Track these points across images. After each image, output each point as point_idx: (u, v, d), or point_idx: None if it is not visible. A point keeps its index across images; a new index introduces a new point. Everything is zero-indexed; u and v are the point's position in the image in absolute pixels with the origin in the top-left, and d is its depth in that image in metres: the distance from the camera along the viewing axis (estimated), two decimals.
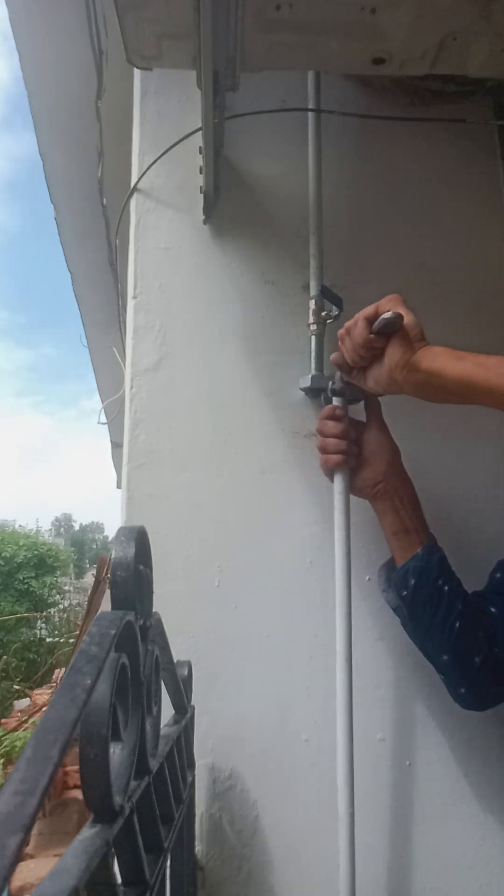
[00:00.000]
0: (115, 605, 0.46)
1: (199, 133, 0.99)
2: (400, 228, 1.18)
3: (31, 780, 0.28)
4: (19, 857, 0.25)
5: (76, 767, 0.55)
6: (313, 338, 1.03)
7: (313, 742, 0.94)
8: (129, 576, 0.46)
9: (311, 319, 1.03)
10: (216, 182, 1.06)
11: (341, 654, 0.89)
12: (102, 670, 0.37)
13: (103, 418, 2.32)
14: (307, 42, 0.86)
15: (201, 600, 0.98)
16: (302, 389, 1.04)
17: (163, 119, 1.16)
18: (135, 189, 1.13)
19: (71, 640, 8.52)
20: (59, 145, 1.96)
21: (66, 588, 14.49)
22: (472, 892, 0.93)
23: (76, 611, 11.12)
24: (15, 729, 4.55)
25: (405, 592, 0.88)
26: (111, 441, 4.23)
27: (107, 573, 4.00)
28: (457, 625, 0.85)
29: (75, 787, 3.14)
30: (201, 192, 1.07)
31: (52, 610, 12.00)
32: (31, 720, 4.77)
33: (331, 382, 0.94)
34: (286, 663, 0.97)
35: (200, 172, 1.04)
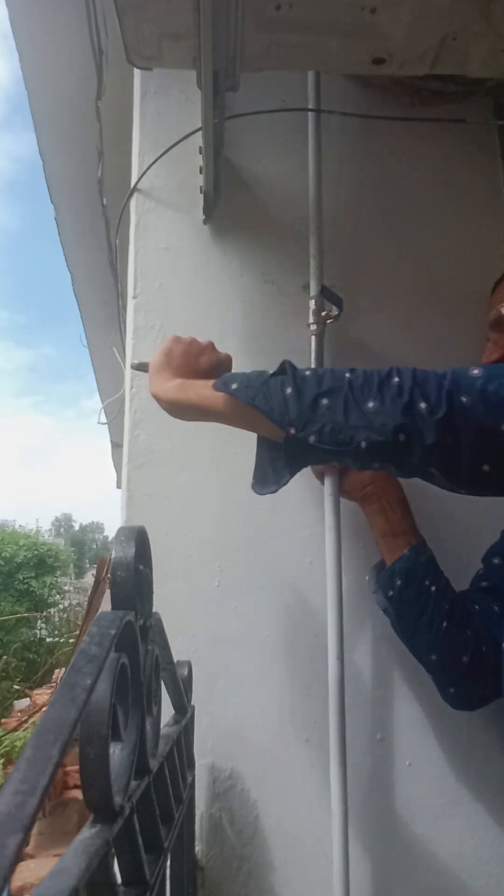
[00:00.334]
0: (115, 605, 0.46)
1: (199, 133, 0.99)
2: (400, 228, 1.18)
3: (31, 780, 0.28)
4: (19, 857, 0.25)
5: (76, 767, 0.55)
6: (313, 338, 1.03)
7: (313, 742, 0.94)
8: (129, 576, 0.46)
9: (311, 319, 1.03)
10: (216, 182, 1.06)
11: (333, 652, 0.89)
12: (102, 670, 0.37)
13: (103, 418, 2.32)
14: (307, 42, 0.86)
15: (201, 600, 0.98)
16: None
17: (163, 119, 1.16)
18: (135, 189, 1.13)
19: (71, 640, 8.52)
20: (59, 145, 1.96)
21: (66, 588, 14.49)
22: (472, 892, 0.93)
23: (76, 611, 11.12)
24: (15, 729, 4.55)
25: (392, 593, 0.90)
26: (111, 441, 4.23)
27: (107, 573, 3.99)
28: (444, 624, 0.85)
29: (75, 787, 3.14)
30: (201, 192, 1.07)
31: (52, 610, 12.00)
32: (31, 720, 4.77)
33: None
34: (286, 663, 0.97)
35: (200, 172, 1.04)
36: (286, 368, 0.72)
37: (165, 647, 0.61)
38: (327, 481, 0.95)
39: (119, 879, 0.42)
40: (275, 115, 1.12)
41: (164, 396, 0.80)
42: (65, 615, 11.21)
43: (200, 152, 1.00)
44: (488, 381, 0.62)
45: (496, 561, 0.93)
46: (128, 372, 1.07)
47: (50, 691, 5.90)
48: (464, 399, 0.62)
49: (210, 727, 0.93)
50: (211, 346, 0.87)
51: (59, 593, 13.38)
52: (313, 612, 0.98)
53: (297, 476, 1.02)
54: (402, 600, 0.89)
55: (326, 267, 1.06)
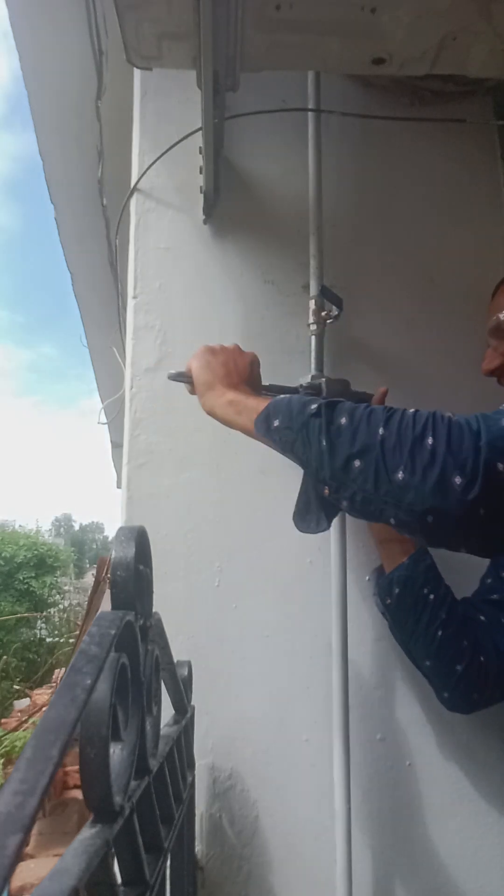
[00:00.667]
0: (115, 605, 0.46)
1: (199, 133, 0.99)
2: (400, 228, 1.18)
3: (31, 780, 0.28)
4: (19, 857, 0.25)
5: (76, 767, 0.55)
6: (313, 338, 1.03)
7: (313, 742, 0.94)
8: (129, 576, 0.46)
9: (311, 319, 1.03)
10: (216, 182, 1.06)
11: (337, 652, 0.89)
12: (102, 670, 0.37)
13: (103, 418, 2.32)
14: (307, 42, 0.86)
15: (201, 600, 0.98)
16: (302, 389, 1.04)
17: (163, 119, 1.16)
18: (135, 189, 1.13)
19: (71, 640, 8.52)
20: (59, 145, 1.96)
21: (66, 588, 14.49)
22: (472, 892, 0.93)
23: (76, 611, 11.12)
24: (15, 729, 4.55)
25: (389, 601, 0.90)
26: (111, 441, 4.23)
27: (107, 573, 3.99)
28: (439, 633, 0.85)
29: (75, 787, 3.14)
30: (201, 192, 1.07)
31: (52, 610, 12.00)
32: (31, 720, 4.77)
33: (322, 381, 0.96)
34: (286, 663, 0.97)
35: (200, 172, 1.04)
36: (321, 410, 0.66)
37: (165, 647, 0.61)
38: None
39: (119, 879, 0.42)
40: (275, 115, 1.12)
41: (219, 414, 0.78)
42: (65, 615, 11.21)
43: (200, 152, 1.00)
44: None
45: None
46: (128, 372, 1.07)
47: (50, 691, 5.90)
48: (500, 466, 0.56)
49: (210, 727, 0.93)
50: (238, 347, 0.86)
51: (59, 593, 13.38)
52: (313, 612, 0.98)
53: (299, 475, 1.03)
54: (399, 608, 0.89)
55: (326, 267, 1.06)
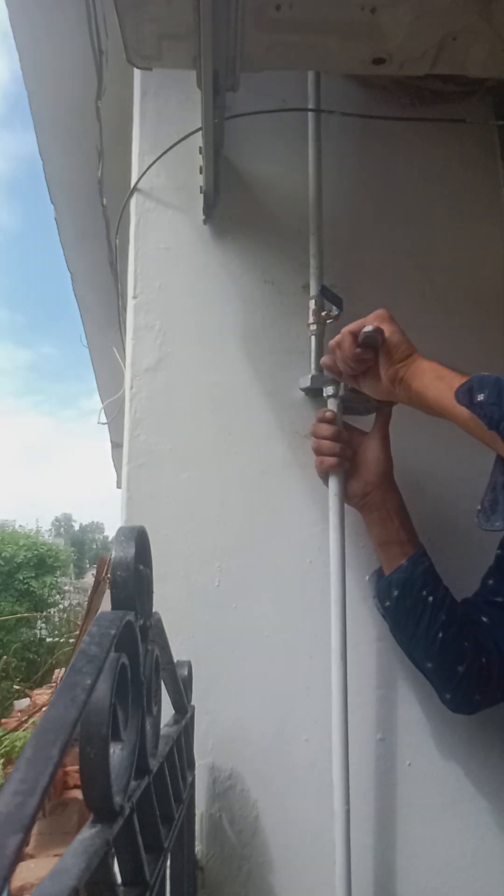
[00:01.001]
0: (115, 605, 0.46)
1: (199, 133, 0.99)
2: (400, 228, 1.18)
3: (31, 780, 0.28)
4: (19, 857, 0.25)
5: (76, 767, 0.55)
6: (313, 338, 1.03)
7: (313, 742, 0.94)
8: (129, 576, 0.46)
9: (311, 319, 1.03)
10: (216, 182, 1.06)
11: (336, 652, 0.89)
12: (102, 670, 0.37)
13: (103, 418, 2.32)
14: (307, 42, 0.86)
15: (201, 600, 0.98)
16: (302, 389, 1.04)
17: (163, 119, 1.16)
18: (135, 189, 1.13)
19: (71, 640, 8.52)
20: (59, 145, 1.96)
21: (66, 588, 14.49)
22: (472, 892, 0.93)
23: (76, 611, 11.12)
24: (15, 729, 4.55)
25: (388, 603, 0.90)
26: (111, 441, 4.23)
27: (107, 573, 3.99)
28: (440, 635, 0.85)
29: (75, 787, 3.14)
30: (201, 192, 1.07)
31: (52, 610, 12.00)
32: (31, 720, 4.77)
33: (333, 386, 0.95)
34: (286, 663, 0.97)
35: (200, 172, 1.04)
36: None
37: (165, 647, 0.61)
38: (332, 482, 0.94)
39: (119, 879, 0.42)
40: (275, 115, 1.12)
41: (419, 384, 0.75)
42: (65, 615, 11.21)
43: (200, 152, 1.00)
44: None
45: None
46: (128, 372, 1.07)
47: (50, 691, 5.90)
48: None
49: (210, 727, 0.93)
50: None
51: (59, 593, 13.38)
52: (313, 612, 0.98)
53: (299, 475, 1.03)
54: (398, 610, 0.89)
55: (326, 267, 1.06)
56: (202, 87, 0.87)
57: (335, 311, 1.02)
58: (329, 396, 0.96)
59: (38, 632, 11.30)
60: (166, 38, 0.83)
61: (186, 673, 0.80)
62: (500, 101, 1.26)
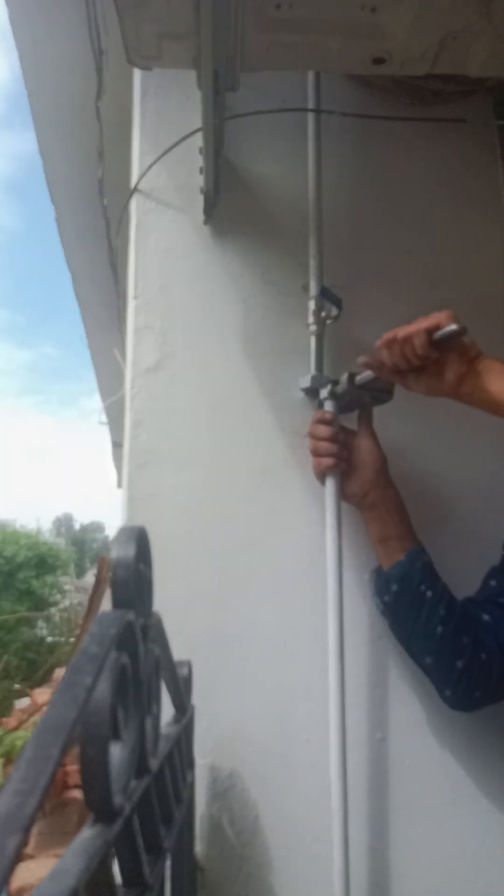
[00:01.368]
0: (116, 604, 0.46)
1: (199, 133, 0.99)
2: (400, 228, 1.18)
3: (31, 780, 0.28)
4: (19, 857, 0.25)
5: (76, 767, 0.55)
6: (313, 338, 1.03)
7: (313, 742, 0.94)
8: (130, 576, 0.46)
9: (311, 320, 1.03)
10: (216, 182, 1.05)
11: (334, 652, 0.89)
12: (103, 670, 0.37)
13: (104, 418, 2.32)
14: (307, 42, 0.86)
15: (201, 600, 0.98)
16: (302, 389, 1.04)
17: (163, 119, 1.16)
18: (135, 189, 1.13)
19: (71, 640, 8.52)
20: (59, 145, 1.96)
21: (67, 588, 14.48)
22: (472, 891, 0.93)
23: (77, 610, 11.11)
24: (15, 728, 4.55)
25: (387, 598, 0.90)
26: (112, 441, 4.23)
27: (107, 573, 3.99)
28: (439, 629, 0.86)
29: (75, 787, 3.13)
30: (201, 193, 1.07)
31: (52, 609, 12.00)
32: (31, 720, 4.77)
33: (329, 386, 0.96)
34: (286, 663, 0.97)
35: (200, 173, 1.04)
36: None
37: (165, 647, 0.61)
38: (329, 482, 0.95)
39: (119, 880, 0.42)
40: (275, 115, 1.12)
41: (491, 389, 0.77)
42: (65, 615, 11.20)
43: (200, 152, 1.00)
44: None
45: None
46: (128, 372, 1.07)
47: (50, 691, 5.90)
48: None
49: (210, 727, 0.93)
50: None
51: (59, 593, 13.38)
52: (313, 611, 0.98)
53: (299, 475, 1.03)
54: (397, 605, 0.89)
55: (326, 267, 1.06)
56: (202, 87, 0.87)
57: (335, 312, 1.02)
58: (325, 398, 0.96)
59: (38, 631, 11.30)
60: (166, 38, 0.83)
61: (186, 673, 0.80)
62: (500, 101, 1.26)
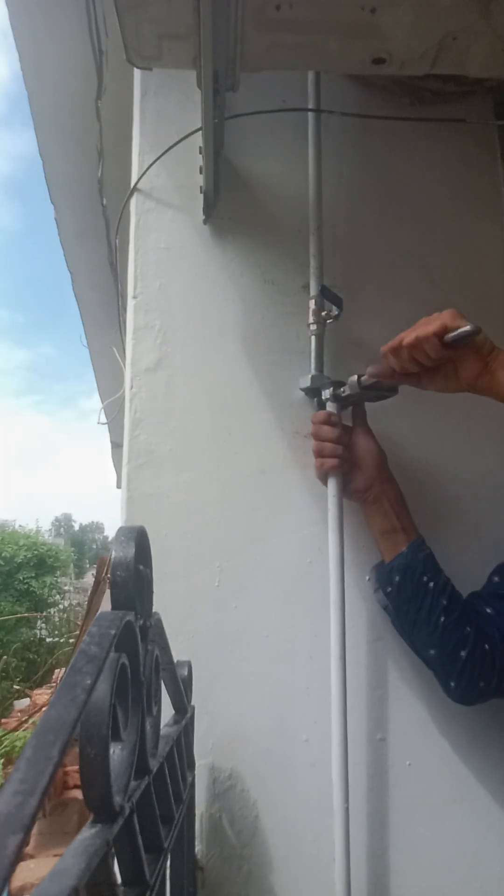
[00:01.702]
0: (115, 605, 0.46)
1: (199, 133, 0.99)
2: (400, 228, 1.18)
3: (31, 780, 0.28)
4: (19, 857, 0.25)
5: (76, 767, 0.55)
6: (313, 338, 1.03)
7: (313, 742, 0.94)
8: (129, 576, 0.46)
9: (311, 319, 1.03)
10: (216, 182, 1.05)
11: (335, 653, 0.89)
12: (102, 670, 0.37)
13: (103, 418, 2.32)
14: (307, 42, 0.86)
15: (201, 600, 0.98)
16: (302, 389, 1.04)
17: (163, 119, 1.16)
18: (135, 189, 1.13)
19: (71, 640, 8.52)
20: (59, 145, 1.96)
21: (66, 588, 14.49)
22: (472, 891, 0.93)
23: (76, 611, 11.12)
24: (15, 729, 4.55)
25: (390, 589, 0.91)
26: (111, 441, 4.23)
27: (107, 573, 3.99)
28: (441, 619, 0.86)
29: (75, 787, 3.13)
30: (201, 192, 1.07)
31: (52, 610, 12.00)
32: (31, 720, 4.77)
33: (332, 388, 0.96)
34: (286, 663, 0.97)
35: (200, 172, 1.04)
36: None
37: (165, 647, 0.61)
38: (331, 483, 0.95)
39: (119, 879, 0.42)
40: (275, 115, 1.12)
41: None
42: (65, 615, 11.21)
43: (200, 152, 1.00)
44: None
45: None
46: (128, 372, 1.07)
47: (50, 691, 5.90)
48: None
49: (210, 727, 0.93)
50: None
51: (59, 593, 13.38)
52: (313, 612, 0.98)
53: (299, 475, 1.03)
54: (400, 596, 0.90)
55: (326, 267, 1.06)
56: (202, 87, 0.87)
57: (335, 311, 1.02)
58: (328, 399, 0.97)
59: (38, 632, 11.30)
60: (166, 38, 0.83)
61: (186, 673, 0.80)
62: (500, 101, 1.26)
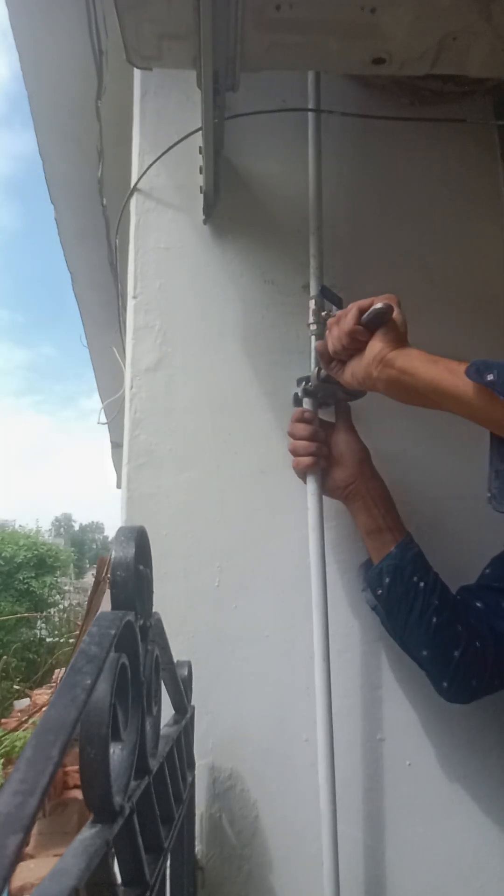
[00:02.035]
0: (115, 605, 0.46)
1: (199, 133, 0.99)
2: (400, 228, 1.18)
3: (31, 780, 0.28)
4: (19, 857, 0.25)
5: (76, 767, 0.55)
6: (313, 338, 1.03)
7: (313, 742, 0.94)
8: (129, 576, 0.46)
9: (311, 319, 1.03)
10: (216, 182, 1.06)
11: (319, 654, 0.89)
12: (102, 670, 0.37)
13: (103, 418, 2.32)
14: (307, 42, 0.86)
15: (201, 600, 0.98)
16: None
17: (163, 119, 1.16)
18: (135, 189, 1.13)
19: (71, 640, 8.52)
20: (59, 145, 1.96)
21: (66, 588, 14.50)
22: (472, 891, 0.93)
23: (76, 611, 11.12)
24: (15, 729, 4.55)
25: (380, 591, 0.89)
26: (111, 441, 4.23)
27: (107, 573, 3.99)
28: (434, 620, 0.85)
29: (75, 787, 3.14)
30: (201, 192, 1.07)
31: (52, 610, 12.01)
32: (31, 720, 4.77)
33: (303, 383, 0.96)
34: (286, 663, 0.97)
35: (200, 172, 1.04)
36: None
37: (165, 647, 0.61)
38: (309, 480, 0.94)
39: (119, 879, 0.42)
40: (275, 115, 1.12)
41: (403, 364, 0.74)
42: (65, 615, 11.21)
43: (200, 152, 1.00)
44: None
45: None
46: (128, 372, 1.07)
47: (50, 691, 5.90)
48: None
49: (210, 727, 0.93)
50: None
51: (59, 593, 13.39)
52: (313, 612, 0.98)
53: (297, 476, 1.03)
54: (390, 598, 0.88)
55: (326, 267, 1.06)
56: (202, 87, 0.87)
57: (335, 311, 1.02)
58: (305, 394, 0.97)
59: (38, 632, 11.30)
60: (166, 38, 0.83)
61: (186, 673, 0.80)
62: (500, 101, 1.26)
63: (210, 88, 0.86)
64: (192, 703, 0.81)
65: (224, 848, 0.91)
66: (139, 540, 0.49)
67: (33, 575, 12.19)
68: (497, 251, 1.20)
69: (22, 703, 6.24)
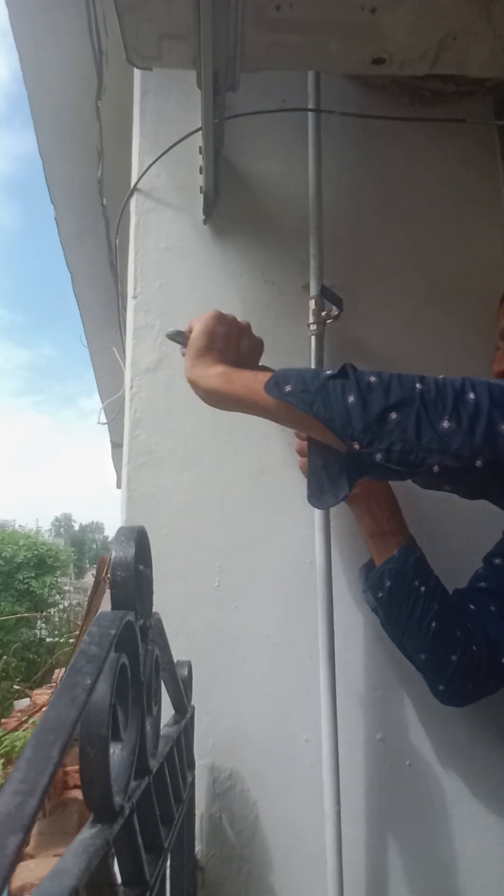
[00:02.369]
0: (115, 605, 0.46)
1: (199, 133, 0.99)
2: (400, 228, 1.18)
3: (31, 780, 0.28)
4: (19, 857, 0.25)
5: (76, 767, 0.55)
6: (313, 338, 1.03)
7: (313, 742, 0.94)
8: (129, 576, 0.46)
9: (311, 319, 1.03)
10: (216, 182, 1.06)
11: (324, 653, 0.89)
12: (102, 670, 0.37)
13: (103, 418, 2.32)
14: (307, 42, 0.86)
15: (201, 600, 0.98)
16: None
17: (163, 119, 1.16)
18: (135, 189, 1.13)
19: (71, 640, 8.52)
20: (59, 145, 1.96)
21: (66, 588, 14.50)
22: (472, 891, 0.93)
23: (76, 611, 11.12)
24: (15, 729, 4.55)
25: (381, 594, 0.90)
26: (111, 441, 4.23)
27: (107, 573, 3.99)
28: (433, 625, 0.85)
29: (75, 787, 3.14)
30: (201, 192, 1.07)
31: (52, 610, 12.01)
32: (31, 720, 4.77)
33: None
34: (286, 663, 0.97)
35: (200, 172, 1.04)
36: (347, 372, 0.67)
37: (165, 647, 0.61)
38: None
39: (119, 879, 0.42)
40: (275, 115, 1.12)
41: (205, 384, 0.77)
42: (65, 615, 11.21)
43: (200, 152, 1.00)
44: None
45: (497, 561, 0.93)
46: (128, 372, 1.07)
47: (50, 691, 5.90)
48: None
49: (210, 727, 0.93)
50: (249, 327, 0.85)
51: (59, 593, 13.39)
52: (313, 612, 0.98)
53: (299, 474, 1.03)
54: (391, 601, 0.89)
55: (326, 267, 1.06)
56: (202, 87, 0.87)
57: (335, 311, 1.02)
58: None
59: (38, 632, 11.30)
60: (166, 38, 0.83)
61: (186, 673, 0.80)
62: (500, 101, 1.26)
63: (210, 88, 0.86)
64: (192, 703, 0.81)
65: (224, 848, 0.91)
66: (139, 540, 0.49)
67: (33, 575, 12.19)
68: (497, 251, 1.19)
69: (22, 703, 6.24)
